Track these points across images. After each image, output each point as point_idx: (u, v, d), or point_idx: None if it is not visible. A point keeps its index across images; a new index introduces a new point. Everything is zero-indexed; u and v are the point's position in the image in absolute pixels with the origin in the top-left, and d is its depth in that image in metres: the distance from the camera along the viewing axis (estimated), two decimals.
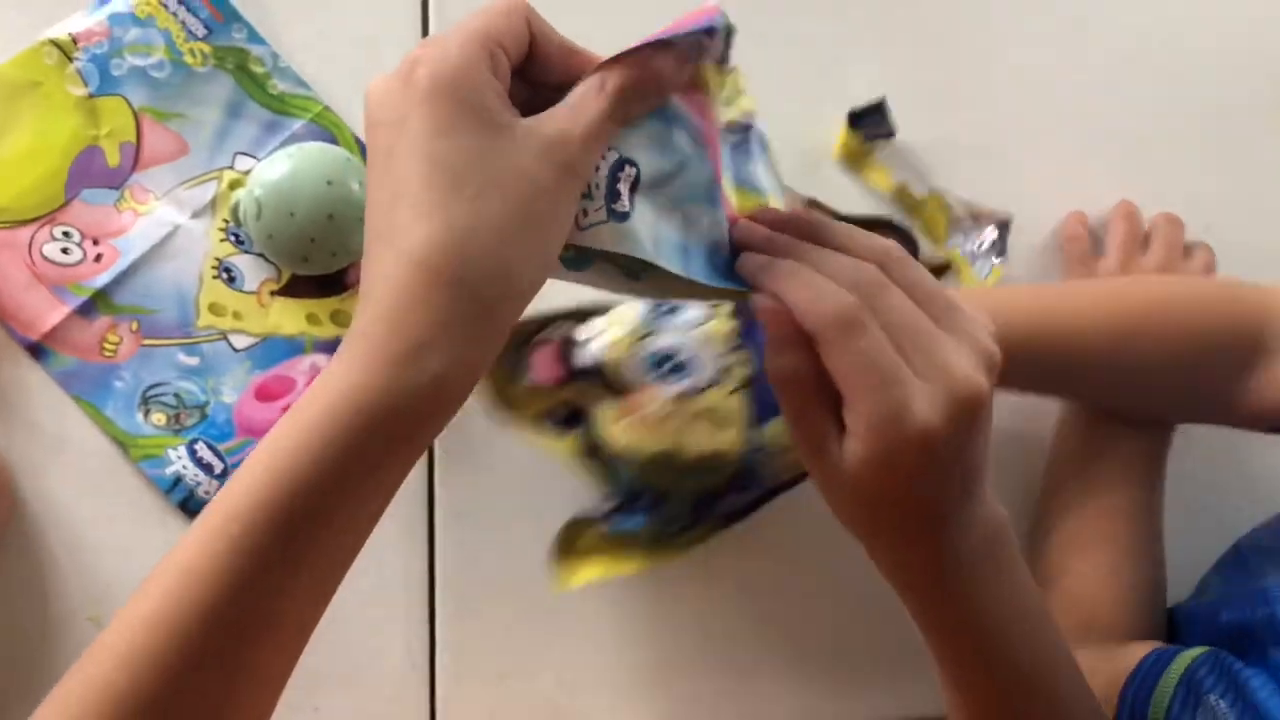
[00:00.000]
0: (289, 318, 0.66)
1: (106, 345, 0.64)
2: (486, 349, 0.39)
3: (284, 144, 0.66)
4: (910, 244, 0.70)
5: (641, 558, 0.59)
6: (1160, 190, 0.73)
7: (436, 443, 0.67)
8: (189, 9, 0.68)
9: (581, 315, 0.58)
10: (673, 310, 0.57)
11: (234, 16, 0.69)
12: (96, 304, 0.64)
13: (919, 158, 0.72)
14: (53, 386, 0.63)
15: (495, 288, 0.38)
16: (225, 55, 0.68)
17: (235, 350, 0.66)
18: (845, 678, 0.69)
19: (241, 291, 0.66)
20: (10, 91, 0.66)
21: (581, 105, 0.39)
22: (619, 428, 0.56)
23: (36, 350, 0.63)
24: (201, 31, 0.68)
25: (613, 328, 0.57)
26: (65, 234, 0.65)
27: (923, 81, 0.72)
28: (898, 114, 0.70)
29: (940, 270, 0.71)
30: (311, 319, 0.66)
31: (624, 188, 0.41)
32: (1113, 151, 0.74)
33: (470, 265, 0.37)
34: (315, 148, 0.63)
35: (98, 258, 0.65)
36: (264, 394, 0.65)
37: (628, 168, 0.41)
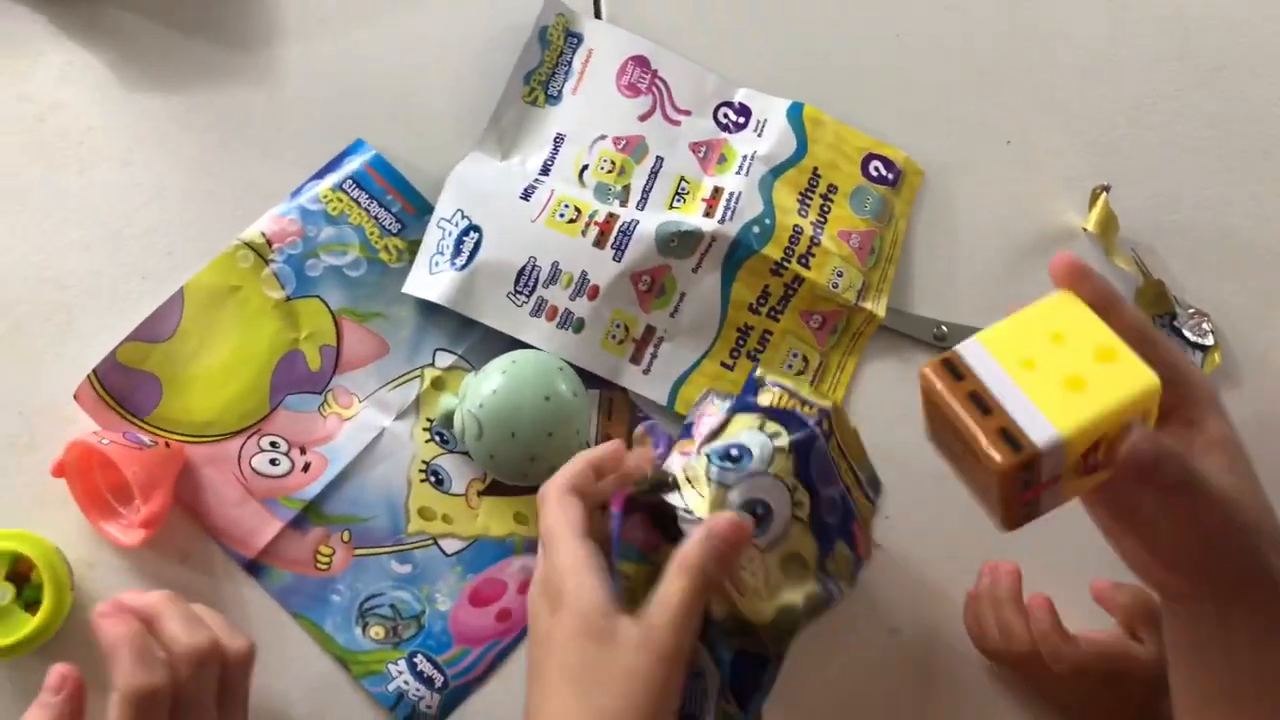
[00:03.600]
0: (497, 518, 0.65)
1: (320, 558, 0.64)
2: None
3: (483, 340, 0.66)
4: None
5: None
6: None
7: None
8: (381, 204, 0.67)
9: (654, 484, 0.56)
10: (735, 463, 0.55)
11: (425, 209, 0.68)
12: (309, 516, 0.64)
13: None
14: (271, 604, 0.63)
15: None
16: (419, 248, 0.67)
17: (446, 555, 0.65)
18: None
19: (449, 494, 0.65)
20: (210, 298, 0.65)
21: (665, 594, 0.49)
22: (738, 604, 0.55)
23: (254, 568, 0.63)
24: (395, 226, 0.67)
25: (694, 491, 0.55)
26: (273, 444, 0.64)
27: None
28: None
29: None
30: (519, 518, 0.65)
31: None
32: None
33: None
34: (528, 359, 0.62)
35: (305, 467, 0.64)
36: (477, 599, 0.64)
37: None
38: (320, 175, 0.68)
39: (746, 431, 0.57)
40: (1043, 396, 0.43)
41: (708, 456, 0.56)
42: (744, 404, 0.58)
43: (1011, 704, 0.66)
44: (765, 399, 0.58)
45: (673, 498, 0.55)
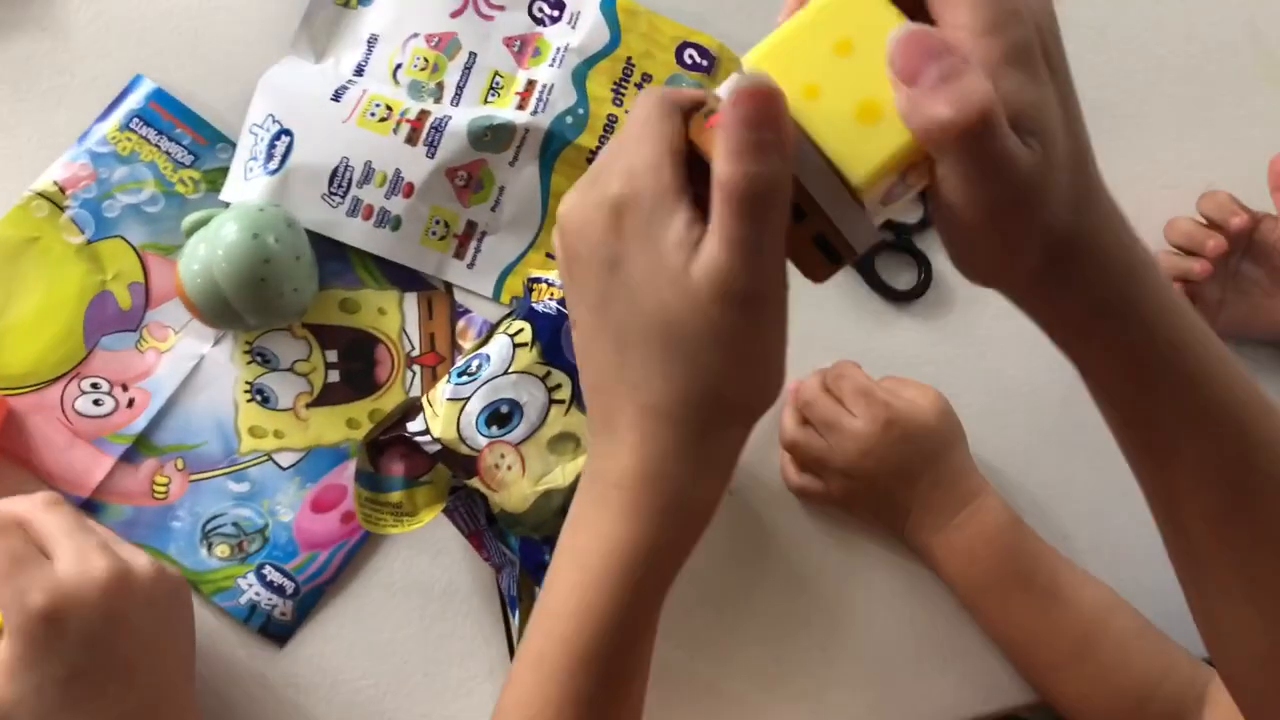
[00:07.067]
0: (329, 427, 0.67)
1: (156, 488, 0.65)
2: (728, 475, 0.41)
3: None
4: None
5: None
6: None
7: None
8: (170, 138, 0.68)
9: (404, 413, 0.60)
10: (473, 375, 0.59)
11: (216, 137, 0.68)
12: (139, 449, 0.65)
13: None
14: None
15: (739, 421, 0.40)
16: (216, 177, 0.68)
17: (282, 469, 0.66)
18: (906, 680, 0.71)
19: (277, 410, 0.67)
20: (10, 252, 0.66)
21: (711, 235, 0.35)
22: (496, 499, 0.58)
23: (90, 506, 0.64)
24: (188, 159, 0.68)
25: (431, 412, 0.59)
26: (94, 385, 0.65)
27: None
28: None
29: None
30: (351, 423, 0.67)
31: None
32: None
33: (719, 407, 0.38)
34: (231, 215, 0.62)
35: (130, 403, 0.65)
36: (319, 506, 0.66)
37: None
38: (103, 117, 0.68)
39: (496, 338, 0.60)
40: (832, 137, 0.35)
41: (447, 377, 0.59)
42: (520, 308, 0.61)
43: (840, 535, 0.70)
44: (534, 296, 0.61)
45: (413, 424, 0.59)
